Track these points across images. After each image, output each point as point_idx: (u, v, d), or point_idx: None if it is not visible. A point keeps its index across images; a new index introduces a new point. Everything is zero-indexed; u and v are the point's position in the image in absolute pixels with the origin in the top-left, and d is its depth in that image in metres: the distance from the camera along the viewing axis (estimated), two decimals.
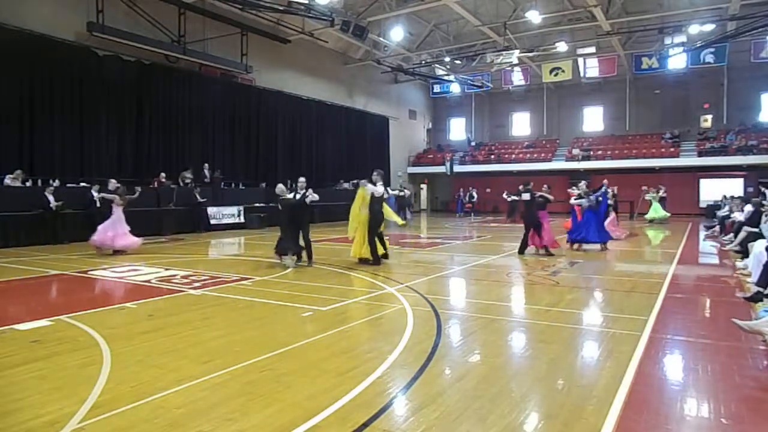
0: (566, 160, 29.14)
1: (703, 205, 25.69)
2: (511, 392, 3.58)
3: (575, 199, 12.19)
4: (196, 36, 19.49)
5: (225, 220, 18.02)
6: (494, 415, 3.19)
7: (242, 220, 18.54)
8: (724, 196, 20.20)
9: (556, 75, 27.60)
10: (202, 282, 7.78)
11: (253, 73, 21.70)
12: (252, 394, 3.50)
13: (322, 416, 3.14)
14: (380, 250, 9.88)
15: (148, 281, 7.91)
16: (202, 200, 17.09)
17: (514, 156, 31.48)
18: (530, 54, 25.27)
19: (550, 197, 11.67)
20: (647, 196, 20.88)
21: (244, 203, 19.03)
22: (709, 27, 22.21)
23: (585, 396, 3.48)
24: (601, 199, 12.21)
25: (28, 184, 14.08)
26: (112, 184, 11.80)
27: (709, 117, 28.17)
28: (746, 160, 24.59)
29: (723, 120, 27.54)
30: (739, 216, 12.63)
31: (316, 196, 9.57)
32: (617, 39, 24.14)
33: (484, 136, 35.23)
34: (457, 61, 27.40)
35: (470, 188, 28.67)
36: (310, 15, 19.41)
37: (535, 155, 30.87)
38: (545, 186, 11.95)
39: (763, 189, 16.33)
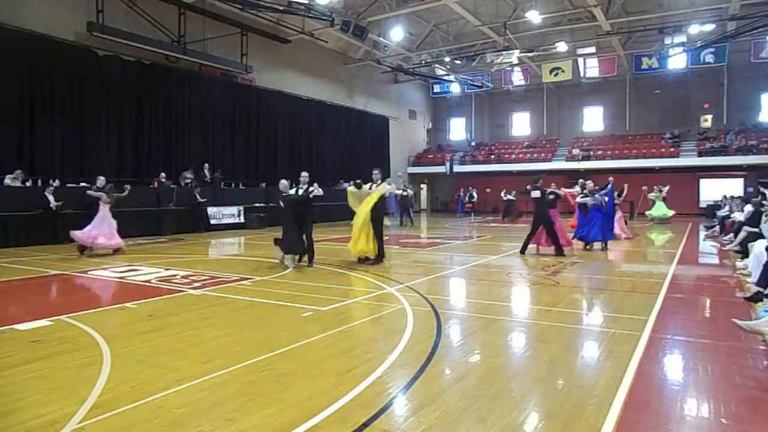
0: (566, 160, 29.14)
1: (703, 205, 25.69)
2: (511, 392, 3.58)
3: (581, 198, 12.10)
4: (196, 36, 19.50)
5: (225, 220, 18.02)
6: (494, 415, 3.19)
7: (242, 220, 18.54)
8: (724, 196, 20.20)
9: (556, 75, 27.60)
10: (202, 282, 7.78)
11: (253, 73, 21.70)
12: (252, 394, 3.50)
13: (322, 416, 3.13)
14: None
15: (148, 281, 7.91)
16: (202, 200, 17.09)
17: (514, 156, 31.48)
18: (530, 54, 25.28)
19: (561, 193, 11.59)
20: (651, 195, 20.85)
21: (244, 203, 19.04)
22: (709, 27, 22.21)
23: (585, 396, 3.48)
24: (607, 198, 12.16)
25: (28, 184, 14.09)
26: (101, 181, 11.51)
27: (709, 117, 28.18)
28: (746, 160, 24.60)
29: (723, 120, 27.55)
30: (739, 216, 12.63)
31: (320, 191, 9.42)
32: (617, 39, 24.15)
33: (484, 136, 35.23)
34: (457, 61, 27.41)
35: (470, 188, 28.68)
36: (310, 15, 19.41)
37: (535, 155, 30.87)
38: (553, 184, 11.85)
39: (762, 189, 16.33)
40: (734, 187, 24.14)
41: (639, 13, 22.40)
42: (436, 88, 34.47)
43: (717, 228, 15.55)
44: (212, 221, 17.49)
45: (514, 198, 24.22)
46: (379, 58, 27.09)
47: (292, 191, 9.40)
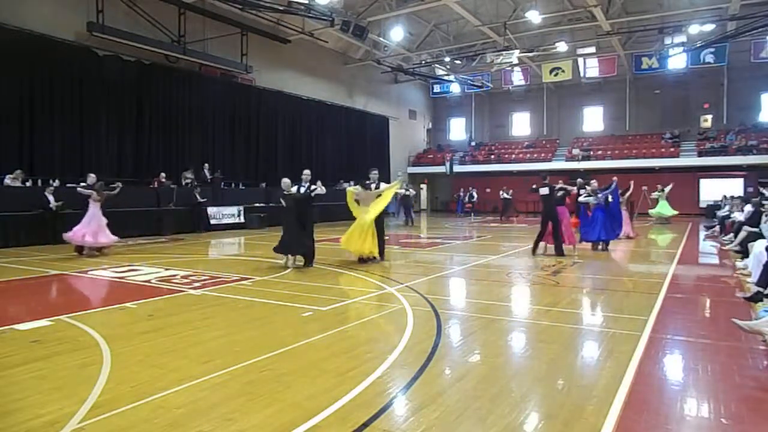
0: (566, 160, 29.14)
1: (703, 205, 25.68)
2: (511, 392, 3.58)
3: (584, 197, 12.06)
4: (196, 36, 19.50)
5: (225, 220, 18.02)
6: (494, 415, 3.19)
7: (242, 220, 18.54)
8: (724, 196, 20.20)
9: (556, 75, 27.61)
10: (202, 282, 7.78)
11: (253, 73, 21.71)
12: (252, 394, 3.50)
13: (322, 416, 3.14)
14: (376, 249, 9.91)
15: (148, 281, 7.91)
16: (202, 200, 17.09)
17: (514, 156, 31.49)
18: (530, 54, 25.28)
19: (570, 188, 11.52)
20: (654, 194, 20.82)
21: (244, 203, 19.04)
22: (709, 27, 22.21)
23: (585, 396, 3.48)
24: (612, 197, 12.15)
25: (28, 184, 14.09)
26: (91, 178, 11.23)
27: (709, 117, 28.18)
28: (746, 160, 24.60)
29: (723, 120, 27.55)
30: (739, 216, 12.63)
31: (323, 189, 9.34)
32: (617, 39, 24.15)
33: (484, 136, 35.24)
34: (457, 61, 27.41)
35: (470, 188, 28.69)
36: (310, 15, 19.42)
37: (535, 155, 30.87)
38: (560, 181, 11.76)
39: (762, 189, 16.34)
40: (734, 187, 24.13)
41: (639, 13, 22.40)
42: (436, 88, 34.48)
43: (717, 228, 15.55)
44: (212, 221, 17.48)
45: (510, 197, 24.23)
46: (379, 58, 27.09)
47: (294, 189, 9.25)
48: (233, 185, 20.71)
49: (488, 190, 30.28)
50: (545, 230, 10.93)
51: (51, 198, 12.88)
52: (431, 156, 34.48)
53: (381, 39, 26.02)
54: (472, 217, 26.07)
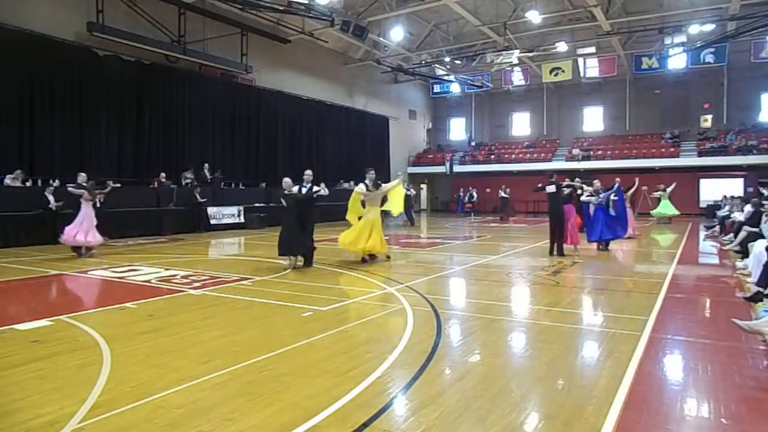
0: (566, 160, 29.14)
1: (703, 205, 25.68)
2: (511, 392, 3.58)
3: (586, 197, 12.04)
4: (196, 36, 19.50)
5: (225, 220, 18.03)
6: (494, 415, 3.19)
7: (242, 220, 18.55)
8: (724, 196, 20.18)
9: (556, 75, 27.61)
10: (202, 282, 7.78)
11: (253, 73, 21.71)
12: (252, 394, 3.50)
13: (322, 416, 3.14)
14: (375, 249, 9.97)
15: (148, 281, 7.91)
16: (202, 200, 17.10)
17: (514, 156, 31.49)
18: (530, 54, 25.28)
19: (577, 185, 11.48)
20: (656, 194, 20.80)
21: (244, 203, 19.04)
22: (709, 27, 22.21)
23: (585, 396, 3.48)
24: (616, 197, 12.13)
25: (28, 184, 14.08)
26: (82, 177, 11.08)
27: (709, 117, 28.18)
28: (746, 160, 24.60)
29: (723, 120, 27.55)
30: (739, 216, 12.63)
31: (326, 191, 9.29)
32: (617, 39, 24.15)
33: (484, 136, 35.24)
34: (457, 61, 27.41)
35: (470, 188, 28.69)
36: (310, 15, 19.42)
37: (535, 155, 30.88)
38: (567, 179, 11.70)
39: (761, 189, 16.34)
40: (734, 187, 24.13)
41: (639, 13, 22.40)
42: (436, 88, 34.47)
43: (717, 228, 15.55)
44: (212, 221, 17.49)
45: (508, 196, 24.24)
46: (379, 58, 27.09)
47: (295, 189, 9.18)
48: (233, 185, 20.70)
49: (488, 190, 30.27)
50: (560, 230, 10.87)
51: (51, 198, 12.88)
52: (431, 156, 34.48)
53: (381, 39, 26.02)
54: (472, 217, 26.07)
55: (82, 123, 16.19)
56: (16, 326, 5.20)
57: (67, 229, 10.49)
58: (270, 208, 18.95)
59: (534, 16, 22.20)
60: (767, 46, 24.01)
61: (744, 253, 9.72)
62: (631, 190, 14.69)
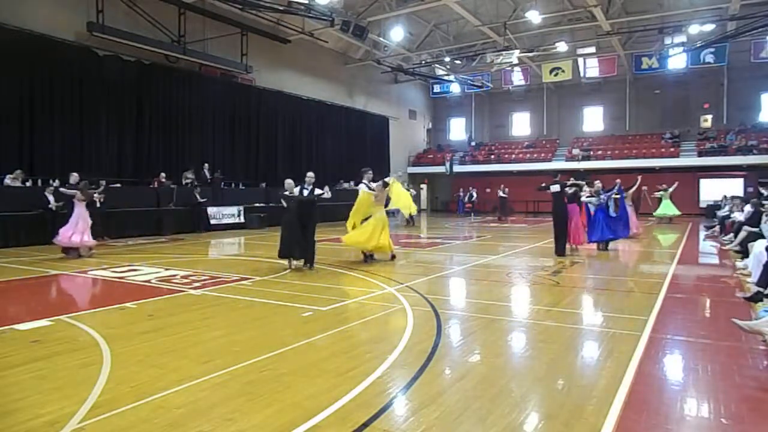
0: (566, 160, 29.14)
1: (703, 205, 25.68)
2: (511, 392, 3.58)
3: (586, 198, 12.04)
4: (196, 36, 19.50)
5: (225, 220, 18.03)
6: (494, 415, 3.19)
7: (242, 220, 18.55)
8: (724, 196, 20.17)
9: (556, 75, 27.61)
10: (202, 282, 7.78)
11: (253, 73, 21.71)
12: (252, 394, 3.50)
13: (322, 416, 3.14)
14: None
15: (148, 281, 7.91)
16: (202, 200, 17.10)
17: (514, 156, 31.50)
18: (530, 54, 25.28)
19: (582, 183, 11.46)
20: (657, 194, 20.79)
21: (244, 203, 19.04)
22: (709, 27, 22.21)
23: (585, 396, 3.48)
24: (619, 195, 12.07)
25: (28, 184, 14.08)
26: (74, 177, 10.89)
27: (709, 117, 28.17)
28: (746, 160, 24.60)
29: (723, 120, 27.55)
30: (739, 216, 12.63)
31: (329, 194, 9.23)
32: (617, 39, 24.15)
33: (484, 136, 35.24)
34: (457, 61, 27.41)
35: (470, 188, 28.70)
36: (310, 15, 19.42)
37: (535, 155, 30.88)
38: (572, 178, 11.67)
39: (761, 189, 16.33)
40: (734, 187, 24.12)
41: (639, 13, 22.41)
42: (436, 88, 34.48)
43: (717, 228, 15.55)
44: (212, 221, 17.49)
45: (506, 196, 24.24)
46: (379, 58, 27.09)
47: (297, 190, 9.07)
48: (233, 185, 20.71)
49: (488, 190, 30.29)
50: (565, 229, 10.88)
51: (51, 198, 12.88)
52: (431, 156, 34.49)
53: (381, 39, 26.02)
54: (472, 217, 26.07)
55: (82, 123, 16.19)
56: (16, 326, 5.20)
57: (62, 230, 10.41)
58: (270, 208, 18.95)
59: (534, 16, 22.20)
60: (767, 46, 24.01)
61: (744, 253, 9.72)
62: (633, 189, 14.69)
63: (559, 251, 10.78)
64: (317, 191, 9.07)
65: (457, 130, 36.80)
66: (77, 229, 10.39)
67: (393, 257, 10.25)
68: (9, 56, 14.35)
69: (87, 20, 16.12)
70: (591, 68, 28.22)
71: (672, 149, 27.25)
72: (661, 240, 15.15)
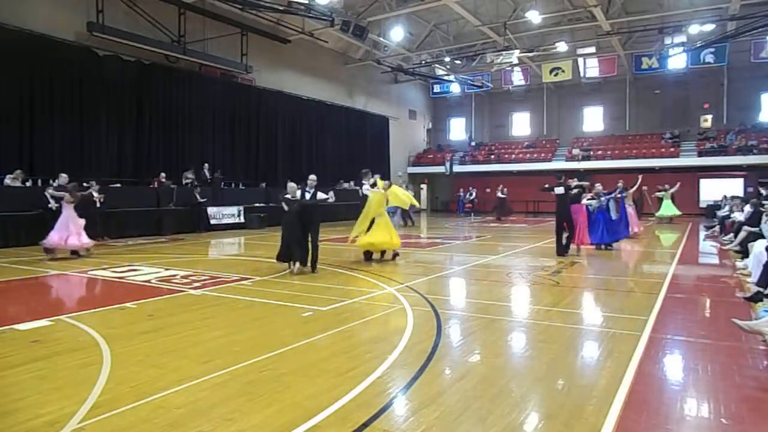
0: (566, 160, 29.13)
1: (703, 205, 25.68)
2: (511, 392, 3.58)
3: (587, 200, 12.02)
4: (196, 36, 19.50)
5: (225, 220, 18.02)
6: (494, 415, 3.19)
7: (242, 220, 18.54)
8: (724, 196, 20.16)
9: (556, 75, 27.60)
10: (202, 282, 7.78)
11: (253, 73, 21.70)
12: (252, 394, 3.50)
13: (322, 416, 3.14)
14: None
15: (148, 281, 7.91)
16: (202, 200, 17.09)
17: (514, 156, 31.49)
18: (530, 54, 25.28)
19: (586, 183, 11.46)
20: (658, 194, 20.77)
21: (244, 203, 19.03)
22: (709, 27, 22.21)
23: (585, 396, 3.48)
24: (619, 196, 12.05)
25: (28, 184, 14.08)
26: (63, 178, 10.60)
27: (709, 117, 28.16)
28: (746, 160, 24.59)
29: (723, 120, 27.54)
30: (739, 216, 12.63)
31: (333, 198, 9.12)
32: (617, 39, 24.15)
33: (484, 136, 35.23)
34: (457, 61, 27.40)
35: (470, 188, 28.70)
36: (310, 15, 19.41)
37: (535, 155, 30.88)
38: (575, 179, 11.68)
39: (761, 189, 16.32)
40: (734, 187, 24.11)
41: (639, 13, 22.40)
42: (436, 88, 34.47)
43: (717, 228, 15.54)
44: (212, 221, 17.48)
45: (505, 196, 24.24)
46: (379, 58, 27.08)
47: (298, 193, 8.90)
48: (233, 185, 20.70)
49: (488, 190, 30.28)
50: (570, 231, 10.88)
51: (51, 198, 12.85)
52: (431, 156, 34.48)
53: (381, 39, 26.01)
54: (472, 217, 26.07)
55: (82, 123, 16.18)
56: (16, 326, 5.20)
57: (52, 233, 10.03)
58: (270, 208, 18.93)
59: (534, 16, 22.20)
60: (767, 46, 24.00)
61: (744, 253, 9.72)
62: (633, 188, 14.70)
63: (560, 252, 10.78)
64: (321, 195, 8.86)
65: (457, 130, 36.80)
66: (71, 232, 10.10)
67: (396, 255, 10.33)
68: (9, 56, 14.35)
69: (87, 20, 16.12)
70: (591, 68, 28.21)
71: (672, 149, 27.25)
72: (662, 240, 15.14)
